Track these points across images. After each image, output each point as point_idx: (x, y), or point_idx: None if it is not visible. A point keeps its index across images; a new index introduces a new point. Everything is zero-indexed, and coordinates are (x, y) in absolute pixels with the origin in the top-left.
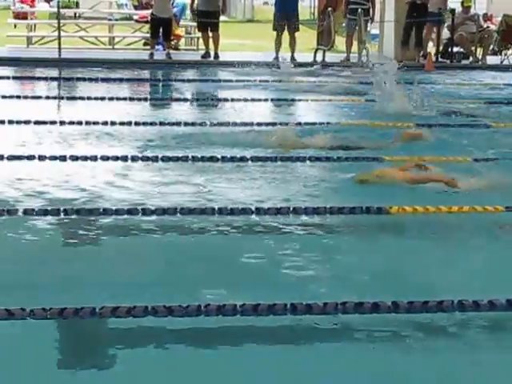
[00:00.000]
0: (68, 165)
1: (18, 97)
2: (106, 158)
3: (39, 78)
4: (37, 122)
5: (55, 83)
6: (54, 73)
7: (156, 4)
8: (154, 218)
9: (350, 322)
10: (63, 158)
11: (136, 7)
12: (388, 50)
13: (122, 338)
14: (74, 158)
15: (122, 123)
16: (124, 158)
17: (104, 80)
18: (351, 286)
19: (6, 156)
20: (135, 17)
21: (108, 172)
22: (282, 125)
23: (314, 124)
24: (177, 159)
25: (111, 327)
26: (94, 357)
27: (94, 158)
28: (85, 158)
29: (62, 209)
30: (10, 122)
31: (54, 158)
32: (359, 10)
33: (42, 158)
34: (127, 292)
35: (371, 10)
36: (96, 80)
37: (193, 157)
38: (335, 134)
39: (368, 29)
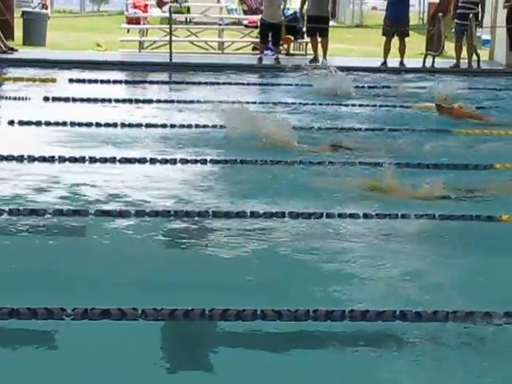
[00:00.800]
0: (177, 168)
1: (130, 100)
2: (215, 162)
3: (151, 82)
4: (148, 125)
5: (166, 87)
6: (165, 77)
7: (266, 9)
8: (259, 220)
9: (459, 330)
10: (173, 162)
11: (245, 12)
12: (499, 56)
13: (230, 341)
14: (184, 162)
15: None
16: (233, 162)
17: (213, 84)
18: (462, 295)
19: (118, 158)
20: (244, 22)
21: (216, 175)
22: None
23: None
24: (286, 163)
25: (220, 330)
26: (203, 359)
27: (204, 162)
28: (194, 162)
29: (172, 211)
30: (123, 124)
31: (165, 161)
32: (470, 15)
33: (153, 161)
34: (236, 295)
35: (480, 15)
36: (205, 84)
37: (300, 161)
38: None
39: (477, 34)
